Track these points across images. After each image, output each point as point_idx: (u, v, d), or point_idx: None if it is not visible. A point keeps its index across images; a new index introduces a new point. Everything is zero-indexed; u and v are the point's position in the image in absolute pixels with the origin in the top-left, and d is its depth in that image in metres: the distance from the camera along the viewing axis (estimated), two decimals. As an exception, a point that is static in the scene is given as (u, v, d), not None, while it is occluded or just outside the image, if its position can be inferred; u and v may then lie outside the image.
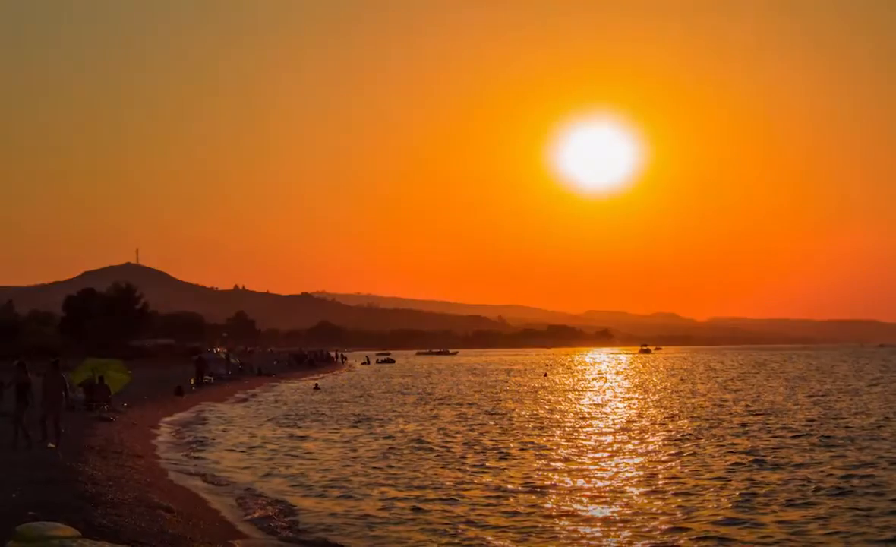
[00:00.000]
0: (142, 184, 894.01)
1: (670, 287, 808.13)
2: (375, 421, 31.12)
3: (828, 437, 23.98)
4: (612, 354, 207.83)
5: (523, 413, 33.77)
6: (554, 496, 15.65)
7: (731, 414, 31.73)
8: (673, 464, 19.29)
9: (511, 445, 23.30)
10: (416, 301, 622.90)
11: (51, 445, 18.17)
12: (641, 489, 16.17)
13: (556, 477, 17.74)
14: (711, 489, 16.08)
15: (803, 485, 16.42)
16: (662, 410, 34.09)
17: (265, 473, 19.05)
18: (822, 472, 17.92)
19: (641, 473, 18.17)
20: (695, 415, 31.66)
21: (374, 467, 19.53)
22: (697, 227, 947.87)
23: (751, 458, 20.00)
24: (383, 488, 16.76)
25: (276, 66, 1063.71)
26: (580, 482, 17.05)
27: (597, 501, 15.14)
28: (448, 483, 17.21)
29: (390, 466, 19.64)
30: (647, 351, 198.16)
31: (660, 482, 16.89)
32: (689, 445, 22.65)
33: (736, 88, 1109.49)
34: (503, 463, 19.90)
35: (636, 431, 26.22)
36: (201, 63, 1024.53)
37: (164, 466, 19.42)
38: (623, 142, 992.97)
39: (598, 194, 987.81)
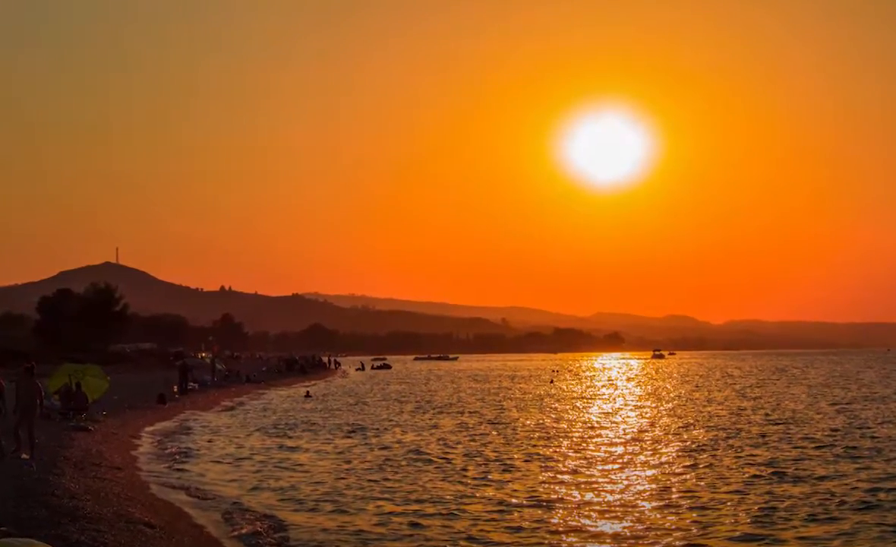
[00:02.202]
0: (122, 179, 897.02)
1: (684, 288, 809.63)
2: (371, 431, 31.15)
3: (853, 448, 24.01)
4: (622, 359, 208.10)
5: (528, 422, 33.81)
6: (561, 511, 15.66)
7: (749, 423, 31.78)
8: (688, 476, 19.31)
9: (515, 456, 23.33)
10: (413, 303, 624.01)
11: (24, 455, 18.17)
12: (654, 503, 16.19)
13: (563, 490, 17.75)
14: (729, 503, 16.09)
15: (826, 499, 16.44)
16: (676, 419, 34.13)
17: (253, 486, 19.07)
18: (846, 485, 17.94)
19: (654, 486, 18.18)
20: (711, 424, 31.71)
21: (370, 480, 19.55)
22: (713, 224, 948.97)
23: (770, 470, 20.03)
24: (379, 502, 16.78)
25: (267, 60, 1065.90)
26: (589, 496, 17.06)
27: (606, 515, 15.15)
28: (448, 497, 17.22)
29: (386, 479, 19.66)
30: (661, 356, 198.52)
31: (674, 496, 16.90)
32: (704, 456, 22.68)
33: (753, 79, 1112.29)
34: (507, 475, 19.92)
35: (648, 442, 26.26)
36: (187, 58, 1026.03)
37: (145, 478, 19.44)
38: (633, 134, 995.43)
39: (607, 190, 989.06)
